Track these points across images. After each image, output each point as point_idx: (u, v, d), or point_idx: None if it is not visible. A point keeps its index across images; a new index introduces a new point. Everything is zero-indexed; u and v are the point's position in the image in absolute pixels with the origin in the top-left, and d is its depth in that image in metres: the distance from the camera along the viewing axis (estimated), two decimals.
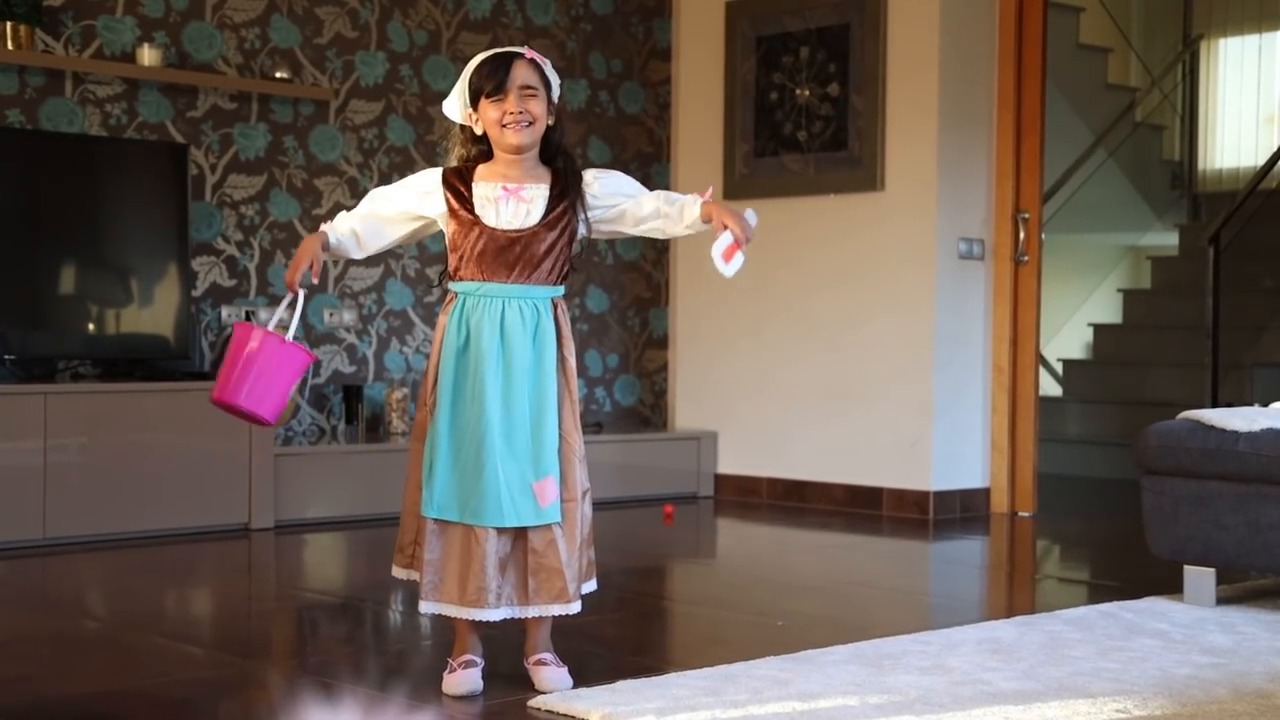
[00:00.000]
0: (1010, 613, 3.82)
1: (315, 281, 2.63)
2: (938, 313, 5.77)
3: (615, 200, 2.77)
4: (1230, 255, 6.76)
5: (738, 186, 6.32)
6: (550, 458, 2.66)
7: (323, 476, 5.35)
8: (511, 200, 2.67)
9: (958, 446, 5.85)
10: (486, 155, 2.75)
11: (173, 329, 5.20)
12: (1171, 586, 4.00)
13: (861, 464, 5.95)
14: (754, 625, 3.54)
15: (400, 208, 2.74)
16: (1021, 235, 5.91)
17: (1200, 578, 3.84)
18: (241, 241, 5.57)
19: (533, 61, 2.72)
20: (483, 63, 2.73)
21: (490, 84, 2.68)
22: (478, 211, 2.68)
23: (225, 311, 5.53)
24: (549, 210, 2.69)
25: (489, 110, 2.69)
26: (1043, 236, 6.02)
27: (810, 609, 3.80)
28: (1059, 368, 8.18)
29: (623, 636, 3.42)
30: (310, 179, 5.74)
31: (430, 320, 6.07)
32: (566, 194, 2.71)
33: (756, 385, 6.31)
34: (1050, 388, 7.94)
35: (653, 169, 6.70)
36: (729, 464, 6.35)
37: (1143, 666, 3.09)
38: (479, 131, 2.74)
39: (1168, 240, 8.70)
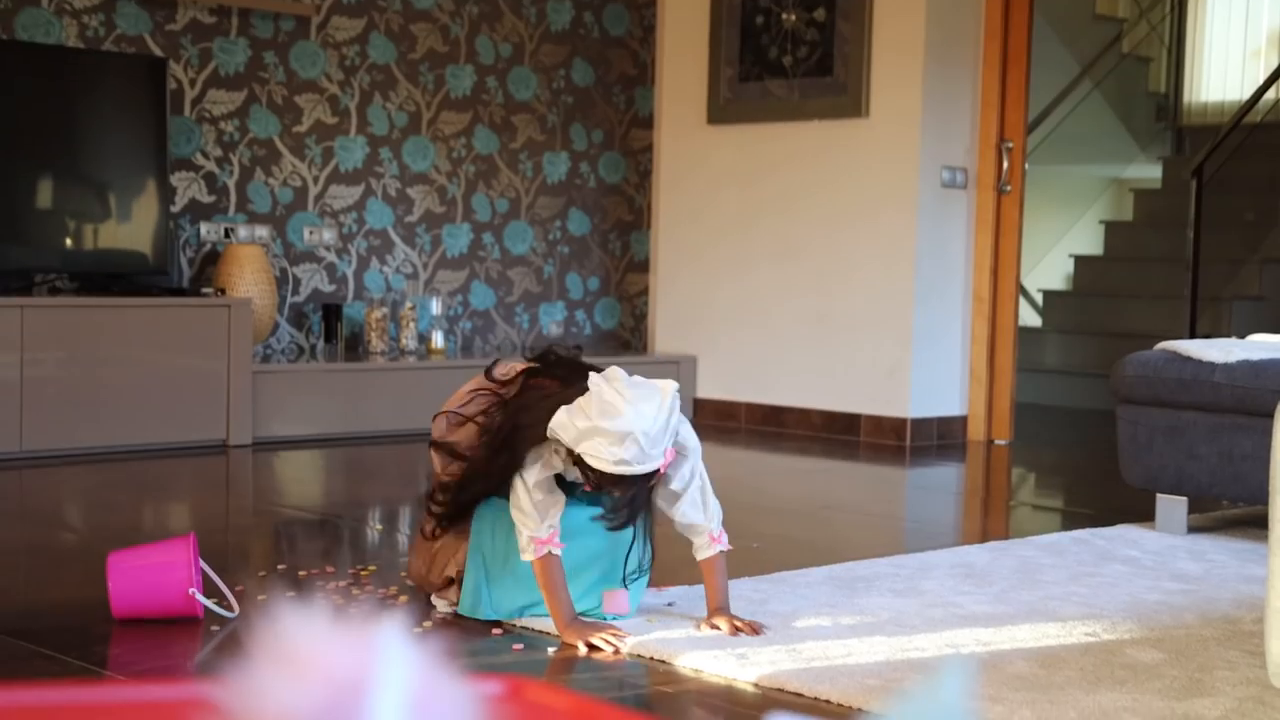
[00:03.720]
0: (984, 538, 3.86)
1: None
2: (919, 240, 5.78)
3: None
4: (1212, 189, 6.75)
5: (722, 111, 6.29)
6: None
7: (301, 394, 5.36)
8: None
9: (936, 374, 5.88)
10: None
11: (150, 244, 5.18)
12: (1144, 514, 4.05)
13: (840, 390, 5.98)
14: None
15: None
16: (1005, 165, 5.90)
17: (1172, 506, 3.88)
18: (220, 158, 5.54)
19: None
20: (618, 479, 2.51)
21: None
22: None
23: (204, 228, 5.51)
24: None
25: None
26: (1026, 166, 6.02)
27: (786, 532, 3.83)
28: (1039, 298, 8.20)
29: None
30: (291, 95, 5.70)
31: (410, 240, 6.04)
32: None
33: (737, 310, 6.32)
34: (1030, 318, 7.96)
35: (636, 91, 6.66)
36: (708, 388, 6.38)
37: (1113, 592, 3.13)
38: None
39: (1151, 173, 8.70)
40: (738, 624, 2.65)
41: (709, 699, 2.35)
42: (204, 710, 0.56)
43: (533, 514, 2.56)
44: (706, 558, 2.70)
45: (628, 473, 2.46)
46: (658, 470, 2.52)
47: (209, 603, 2.65)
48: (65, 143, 5.04)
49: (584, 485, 2.58)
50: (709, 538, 2.70)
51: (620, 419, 2.42)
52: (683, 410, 2.57)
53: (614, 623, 2.64)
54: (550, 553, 2.56)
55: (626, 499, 2.53)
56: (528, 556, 2.58)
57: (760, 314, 6.22)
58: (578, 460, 2.51)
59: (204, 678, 2.13)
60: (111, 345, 4.89)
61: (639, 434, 2.43)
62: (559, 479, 2.60)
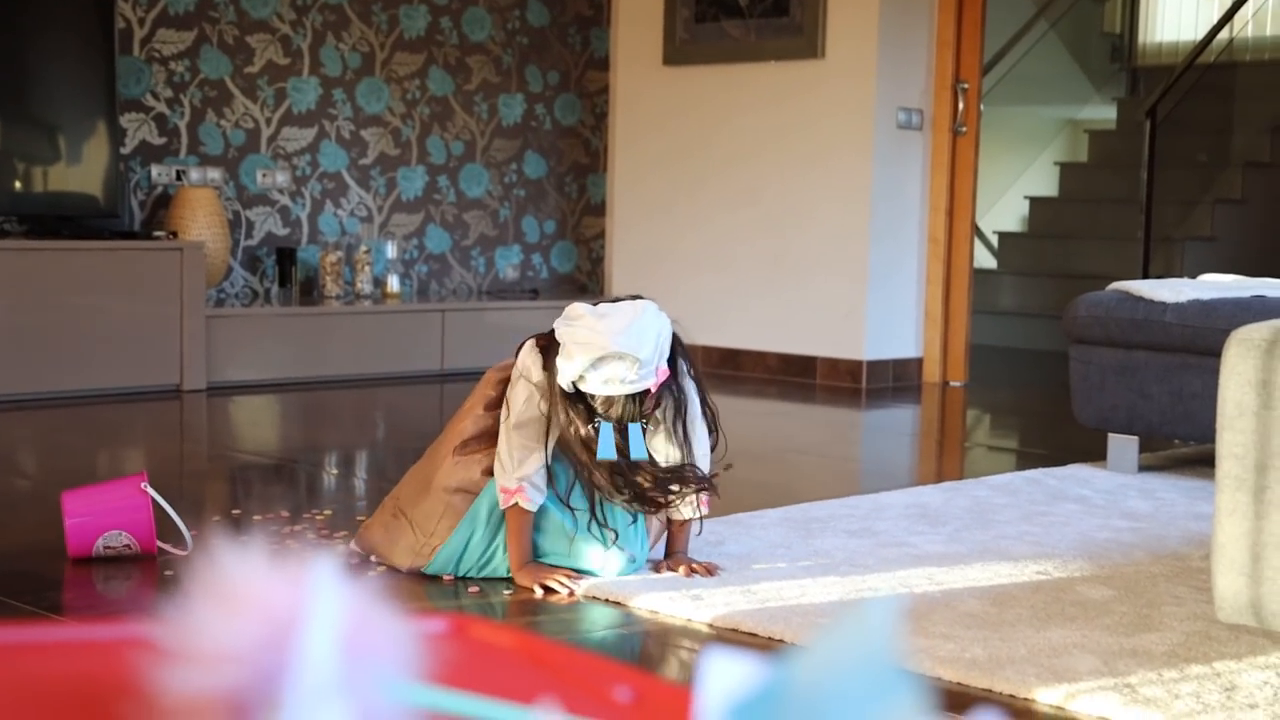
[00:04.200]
0: (938, 479, 3.89)
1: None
2: (875, 183, 5.77)
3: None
4: (1166, 129, 6.79)
5: (678, 52, 6.26)
6: None
7: (255, 339, 5.33)
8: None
9: (891, 316, 5.90)
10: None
11: (101, 187, 5.13)
12: (1096, 454, 4.09)
13: (796, 333, 5.99)
14: None
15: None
16: (960, 106, 5.92)
17: (1123, 445, 3.92)
18: (171, 99, 5.47)
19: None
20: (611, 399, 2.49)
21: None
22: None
23: (155, 170, 5.45)
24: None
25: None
26: (981, 108, 6.03)
27: (742, 474, 3.83)
28: (994, 240, 8.23)
29: None
30: (242, 35, 5.63)
31: (365, 183, 6.01)
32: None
33: (693, 253, 6.30)
34: (985, 260, 7.99)
35: (591, 32, 6.62)
36: None
37: (1064, 530, 3.16)
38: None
39: (1106, 114, 8.73)
40: (694, 566, 2.67)
41: (664, 639, 2.36)
42: (139, 648, 0.56)
43: (508, 462, 2.55)
44: (685, 519, 2.69)
45: (618, 392, 2.43)
46: (649, 390, 2.47)
47: (158, 496, 2.67)
48: (12, 83, 4.96)
49: (588, 424, 2.49)
50: (702, 501, 2.67)
51: (593, 343, 2.41)
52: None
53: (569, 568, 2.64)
54: (518, 504, 2.56)
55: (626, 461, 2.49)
56: (500, 505, 2.60)
57: (716, 256, 6.22)
58: (576, 394, 2.48)
59: (139, 616, 2.12)
60: (62, 289, 4.83)
61: (618, 350, 2.40)
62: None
